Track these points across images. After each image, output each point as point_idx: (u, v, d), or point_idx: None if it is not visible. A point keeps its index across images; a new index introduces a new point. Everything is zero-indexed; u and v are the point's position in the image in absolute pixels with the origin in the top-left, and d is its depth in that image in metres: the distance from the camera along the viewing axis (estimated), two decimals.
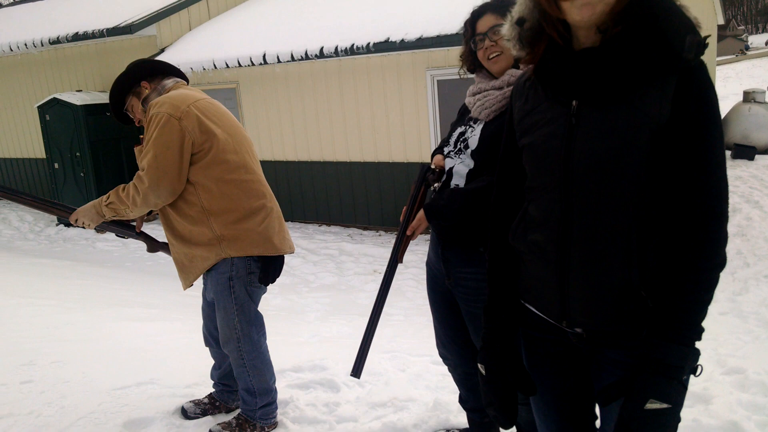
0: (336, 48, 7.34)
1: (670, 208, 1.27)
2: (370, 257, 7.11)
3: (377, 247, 7.39)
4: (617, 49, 1.24)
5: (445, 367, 2.39)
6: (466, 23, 2.03)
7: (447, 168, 2.04)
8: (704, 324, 1.26)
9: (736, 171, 9.69)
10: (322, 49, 7.43)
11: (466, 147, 1.99)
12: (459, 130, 2.07)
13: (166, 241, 2.53)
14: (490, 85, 1.97)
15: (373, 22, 7.56)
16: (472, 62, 2.05)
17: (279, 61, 7.79)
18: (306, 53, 7.54)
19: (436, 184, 2.06)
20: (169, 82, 2.51)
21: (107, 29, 9.08)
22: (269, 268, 2.47)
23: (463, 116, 2.12)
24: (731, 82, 24.47)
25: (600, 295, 1.32)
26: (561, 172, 1.32)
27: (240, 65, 8.08)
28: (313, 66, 7.91)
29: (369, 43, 7.14)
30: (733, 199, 7.72)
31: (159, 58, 8.75)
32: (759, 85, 14.68)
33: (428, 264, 2.24)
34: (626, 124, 1.24)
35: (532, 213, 1.41)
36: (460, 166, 1.98)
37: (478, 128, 1.98)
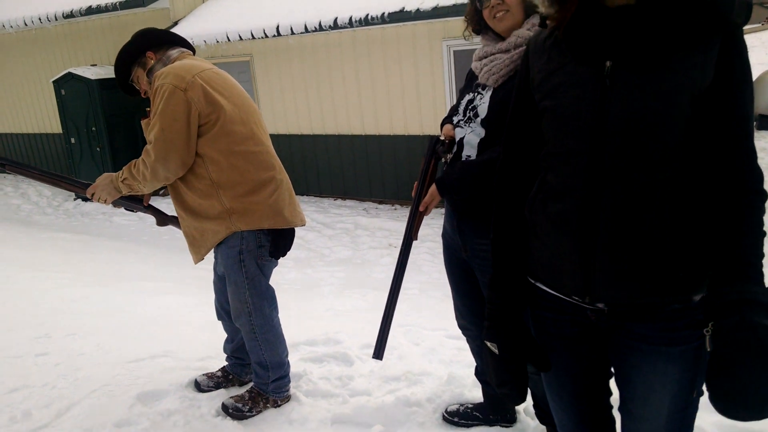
0: (350, 18, 7.22)
1: (710, 174, 1.20)
2: (385, 231, 7.07)
3: (392, 220, 7.35)
4: (657, 9, 1.16)
5: (460, 341, 2.35)
6: None
7: (457, 138, 1.97)
8: None
9: (761, 143, 9.46)
10: (336, 19, 7.31)
11: (476, 115, 1.91)
12: (467, 97, 1.99)
13: (176, 214, 2.50)
14: (497, 48, 1.87)
15: None
16: (477, 22, 1.96)
17: (292, 33, 7.68)
18: (320, 24, 7.42)
19: (447, 156, 1.99)
20: (174, 52, 2.44)
21: (120, 2, 9.01)
22: (280, 241, 2.43)
23: (471, 82, 2.03)
24: (757, 51, 23.83)
25: (628, 266, 1.24)
26: (591, 136, 1.23)
27: (253, 37, 7.99)
28: (327, 37, 7.80)
29: (384, 13, 7.01)
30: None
31: (172, 30, 8.69)
32: None
33: (444, 236, 2.19)
34: (667, 88, 1.16)
35: (552, 181, 1.32)
36: (471, 136, 1.91)
37: (487, 95, 1.90)
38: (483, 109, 1.89)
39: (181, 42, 2.51)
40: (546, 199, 1.34)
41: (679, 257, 1.22)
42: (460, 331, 2.34)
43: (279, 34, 7.78)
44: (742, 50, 1.16)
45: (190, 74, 2.25)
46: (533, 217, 1.38)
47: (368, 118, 7.89)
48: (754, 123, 10.29)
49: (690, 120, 1.18)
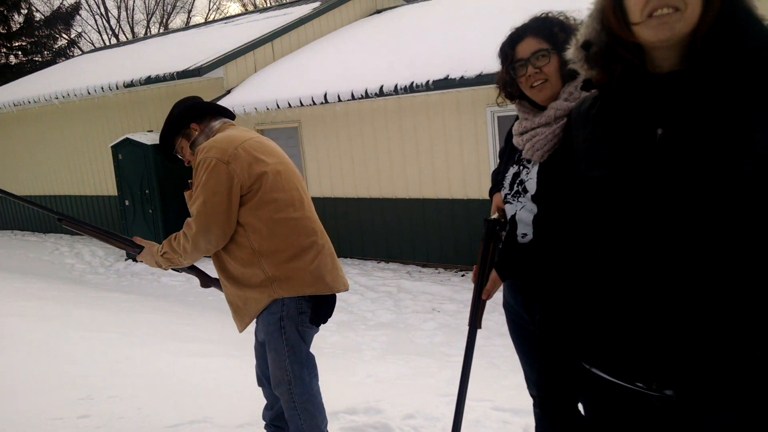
0: (396, 86, 7.39)
1: None
2: (428, 295, 6.98)
3: (436, 284, 7.26)
4: (708, 73, 1.12)
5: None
6: (503, 46, 1.86)
7: (508, 215, 1.91)
8: None
9: None
10: (381, 87, 7.49)
11: (525, 191, 1.85)
12: (512, 170, 1.93)
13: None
14: (536, 122, 1.81)
15: (432, 59, 7.59)
16: (510, 90, 1.89)
17: (339, 100, 7.90)
18: (366, 92, 7.62)
19: (502, 233, 1.93)
20: (217, 123, 2.50)
21: (177, 72, 9.48)
22: (321, 307, 2.41)
23: (513, 154, 1.97)
24: None
25: (701, 348, 1.13)
26: (647, 208, 1.16)
27: (302, 104, 8.24)
28: (373, 104, 7.98)
29: (428, 81, 7.15)
30: None
31: (225, 98, 9.06)
32: None
33: (508, 309, 2.08)
34: (726, 156, 1.10)
35: (606, 258, 1.23)
36: (523, 213, 1.85)
37: (534, 170, 1.84)
38: (532, 185, 1.83)
39: (222, 111, 2.58)
40: (600, 276, 1.25)
41: (753, 334, 1.11)
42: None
43: (326, 102, 8.01)
44: None
45: (232, 146, 2.29)
46: (586, 297, 1.28)
47: (412, 181, 7.95)
48: None
49: (754, 189, 1.10)
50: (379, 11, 12.49)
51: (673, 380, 1.16)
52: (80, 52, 22.51)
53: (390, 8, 12.60)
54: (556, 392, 1.33)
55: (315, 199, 8.96)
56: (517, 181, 1.89)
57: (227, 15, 27.80)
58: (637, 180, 1.18)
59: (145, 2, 28.89)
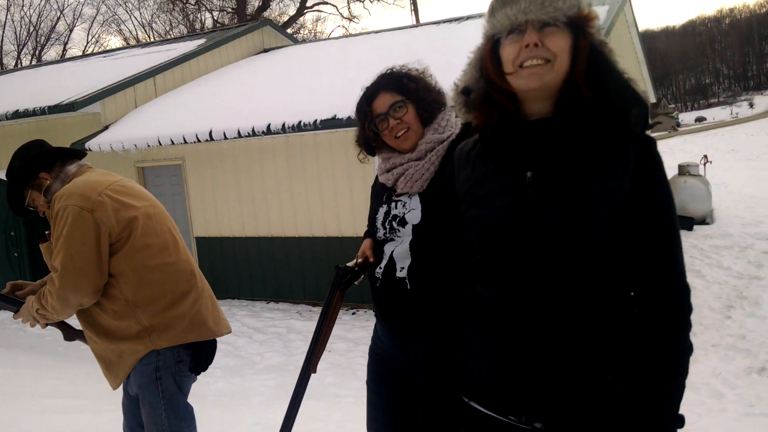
0: (283, 125, 7.36)
1: (637, 284, 1.21)
2: None
3: None
4: (573, 122, 1.20)
5: None
6: (360, 106, 1.96)
7: (387, 253, 1.91)
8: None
9: None
10: (269, 125, 7.43)
11: (403, 223, 1.87)
12: (382, 210, 1.95)
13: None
14: (407, 158, 1.87)
15: (320, 99, 7.65)
16: (371, 145, 1.97)
17: (225, 138, 7.74)
18: (253, 130, 7.53)
19: (359, 281, 1.95)
20: (72, 167, 2.29)
21: (48, 107, 8.91)
22: (201, 354, 2.29)
23: (381, 194, 2.00)
24: (666, 156, 25.59)
25: (566, 383, 1.20)
26: (518, 247, 1.22)
27: (186, 142, 7.99)
28: (260, 142, 7.89)
29: (316, 120, 7.19)
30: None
31: (102, 134, 8.61)
32: (692, 159, 15.44)
33: (377, 351, 2.06)
34: (588, 197, 1.19)
35: (483, 293, 1.29)
36: (400, 249, 1.86)
37: (414, 201, 1.86)
38: (415, 215, 1.85)
39: (74, 154, 2.36)
40: (477, 312, 1.30)
41: (614, 371, 1.20)
42: None
43: (212, 139, 7.83)
44: (658, 160, 1.21)
45: (95, 192, 2.13)
46: (465, 332, 1.33)
47: (302, 220, 7.89)
48: None
49: (613, 230, 1.19)
50: (266, 50, 12.48)
51: (541, 414, 1.22)
52: None
53: (277, 48, 12.63)
54: (440, 426, 1.35)
55: (200, 239, 8.73)
56: (389, 218, 1.91)
57: (107, 48, 26.67)
58: (510, 220, 1.24)
59: (15, 32, 27.16)
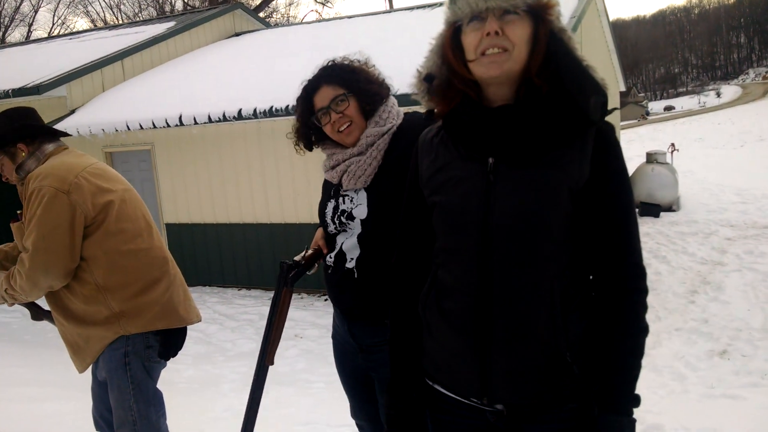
0: (255, 110, 7.29)
1: (595, 268, 1.24)
2: (291, 321, 6.84)
3: (299, 310, 7.18)
4: (533, 109, 1.22)
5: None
6: (299, 99, 1.95)
7: (338, 245, 1.93)
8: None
9: (644, 228, 10.17)
10: (240, 110, 7.36)
11: (351, 218, 1.88)
12: (331, 205, 1.97)
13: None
14: (349, 153, 1.88)
15: (292, 84, 7.57)
16: (311, 139, 1.98)
17: (196, 123, 7.64)
18: (224, 115, 7.44)
19: (312, 270, 1.97)
20: (50, 146, 2.26)
21: (13, 89, 8.70)
22: (171, 340, 2.28)
23: (328, 191, 2.02)
24: (634, 144, 26.11)
25: (525, 365, 1.22)
26: (478, 232, 1.24)
27: (155, 126, 7.87)
28: (231, 127, 7.81)
29: (288, 105, 7.13)
30: (643, 255, 8.05)
31: (69, 119, 8.44)
32: (660, 147, 15.69)
33: (335, 337, 2.11)
34: (547, 183, 1.21)
35: (444, 278, 1.30)
36: (349, 242, 1.88)
37: (361, 196, 1.87)
38: (362, 210, 1.86)
39: (56, 133, 2.33)
40: (438, 296, 1.32)
41: (571, 351, 1.22)
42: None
43: (182, 124, 7.72)
44: (616, 147, 1.23)
45: (72, 174, 2.10)
46: (427, 316, 1.35)
47: (274, 206, 7.85)
48: (637, 210, 11.15)
49: (572, 215, 1.22)
50: (237, 34, 12.31)
51: (502, 396, 1.25)
52: None
53: (249, 32, 12.46)
54: (405, 408, 1.36)
55: (170, 225, 8.63)
56: (338, 213, 1.92)
57: (73, 31, 26.04)
58: (471, 206, 1.26)
59: None
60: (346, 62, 1.94)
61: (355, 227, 1.87)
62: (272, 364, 1.93)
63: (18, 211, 2.19)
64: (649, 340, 5.67)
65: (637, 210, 11.22)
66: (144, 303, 2.20)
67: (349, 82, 1.86)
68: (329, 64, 1.94)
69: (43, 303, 2.40)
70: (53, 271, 2.07)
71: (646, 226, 10.30)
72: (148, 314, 2.20)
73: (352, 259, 1.87)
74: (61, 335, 2.28)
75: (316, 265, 1.99)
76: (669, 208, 11.51)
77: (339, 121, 1.85)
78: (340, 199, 1.93)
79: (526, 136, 1.22)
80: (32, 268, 2.06)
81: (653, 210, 11.12)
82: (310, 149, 2.02)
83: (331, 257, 1.94)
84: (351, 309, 1.93)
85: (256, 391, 1.91)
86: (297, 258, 1.97)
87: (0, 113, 2.27)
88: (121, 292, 2.16)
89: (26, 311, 2.41)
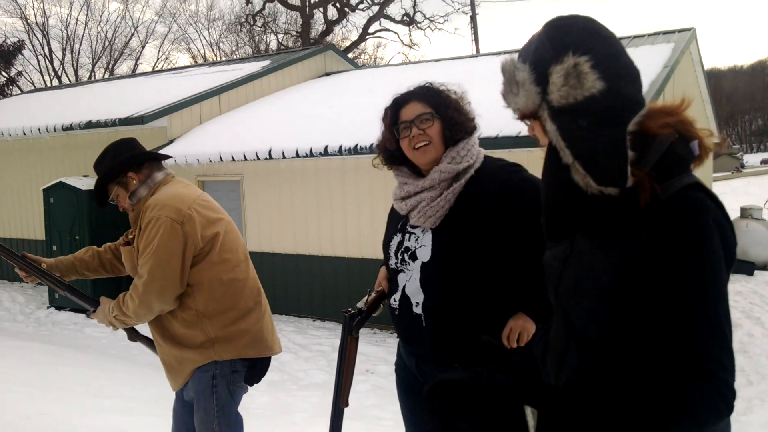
0: (340, 147, 7.51)
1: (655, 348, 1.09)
2: (363, 355, 6.91)
3: (371, 345, 7.21)
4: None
5: None
6: (387, 110, 1.94)
7: (401, 285, 1.90)
8: None
9: (736, 286, 9.63)
10: (326, 147, 7.60)
11: (414, 258, 1.85)
12: (396, 239, 1.94)
13: (150, 336, 2.43)
14: (420, 186, 1.83)
15: (376, 123, 7.75)
16: (391, 154, 1.94)
17: (284, 157, 7.94)
18: (311, 150, 7.70)
19: (392, 303, 1.95)
20: (159, 174, 2.39)
21: (120, 119, 9.35)
22: (257, 367, 2.37)
23: (396, 222, 1.99)
24: (728, 197, 24.85)
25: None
26: (554, 296, 1.29)
27: (246, 159, 8.24)
28: (317, 163, 8.06)
29: (372, 144, 7.29)
30: (734, 315, 7.59)
31: (167, 148, 8.96)
32: (755, 202, 14.87)
33: (400, 368, 2.10)
34: (600, 262, 1.17)
35: (551, 333, 1.36)
36: (412, 284, 1.85)
37: (426, 238, 1.84)
38: (425, 252, 1.83)
39: (157, 157, 2.46)
40: (545, 348, 1.38)
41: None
42: None
43: (270, 157, 8.04)
44: (673, 225, 1.08)
45: (185, 206, 2.23)
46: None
47: (352, 241, 7.99)
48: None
49: (621, 297, 1.13)
50: (328, 74, 12.78)
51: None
52: (19, 92, 21.91)
53: (339, 72, 12.92)
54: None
55: (253, 254, 8.80)
56: (402, 249, 1.90)
57: (176, 66, 27.77)
58: (554, 269, 1.35)
59: (91, 46, 28.54)
60: (442, 87, 1.94)
61: (414, 269, 1.85)
62: (347, 405, 1.94)
63: (130, 236, 2.34)
64: (740, 406, 5.37)
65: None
66: (238, 331, 2.29)
67: (439, 105, 1.86)
68: (425, 84, 1.95)
69: (140, 327, 2.56)
70: (166, 297, 2.20)
71: (738, 285, 9.73)
72: (240, 342, 2.29)
73: (417, 303, 1.85)
74: (160, 356, 2.41)
75: (381, 306, 1.99)
76: (764, 267, 10.84)
77: (418, 138, 1.82)
78: (406, 235, 1.91)
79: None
80: (147, 293, 2.18)
81: (746, 268, 10.51)
82: (390, 165, 1.98)
83: (395, 300, 1.92)
84: (422, 355, 1.93)
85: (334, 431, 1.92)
86: (359, 305, 1.96)
87: (105, 150, 2.42)
88: (218, 319, 2.27)
89: (112, 335, 2.55)
